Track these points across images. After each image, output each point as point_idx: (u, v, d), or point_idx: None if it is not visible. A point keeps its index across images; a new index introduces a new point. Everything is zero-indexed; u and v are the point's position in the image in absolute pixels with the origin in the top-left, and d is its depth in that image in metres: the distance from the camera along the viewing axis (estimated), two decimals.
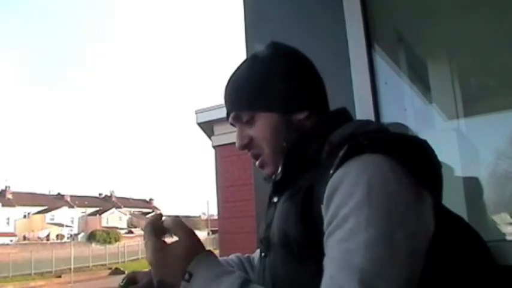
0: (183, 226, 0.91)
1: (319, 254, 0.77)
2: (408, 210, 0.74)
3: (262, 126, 0.99)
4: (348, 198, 0.75)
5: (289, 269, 0.89)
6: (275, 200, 0.98)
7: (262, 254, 1.01)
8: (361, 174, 0.76)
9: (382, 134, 0.90)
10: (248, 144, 1.02)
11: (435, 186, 0.83)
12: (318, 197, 0.82)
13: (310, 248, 0.83)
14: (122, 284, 1.07)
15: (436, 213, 0.79)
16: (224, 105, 1.07)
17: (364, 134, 0.86)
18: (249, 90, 1.00)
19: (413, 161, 0.79)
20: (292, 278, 0.88)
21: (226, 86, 1.05)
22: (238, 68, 1.05)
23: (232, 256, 1.29)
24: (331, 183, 0.79)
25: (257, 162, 1.04)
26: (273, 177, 1.00)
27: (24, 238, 43.42)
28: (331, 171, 0.80)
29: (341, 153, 0.80)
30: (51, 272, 29.18)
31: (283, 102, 0.98)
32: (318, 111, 1.00)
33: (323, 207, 0.80)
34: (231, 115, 1.04)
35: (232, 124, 1.06)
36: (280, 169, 0.97)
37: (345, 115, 1.02)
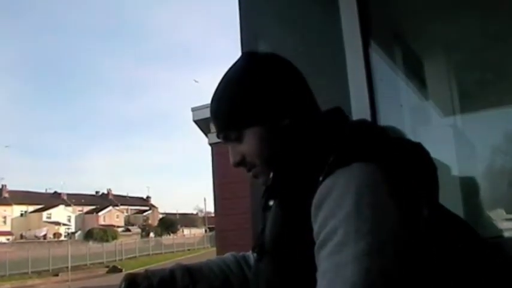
0: None
1: (310, 262, 0.77)
2: (399, 220, 0.73)
3: (250, 141, 0.99)
4: (336, 209, 0.74)
5: (281, 276, 0.88)
6: (271, 203, 0.98)
7: (256, 258, 1.02)
8: (350, 184, 0.75)
9: (374, 139, 0.87)
10: (241, 161, 1.03)
11: (430, 189, 0.82)
12: (307, 205, 0.81)
13: (300, 257, 0.82)
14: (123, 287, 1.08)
15: (431, 216, 0.79)
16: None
17: (355, 139, 0.84)
18: (228, 111, 1.01)
19: (405, 168, 0.78)
20: (283, 285, 0.87)
21: (210, 109, 1.06)
22: (216, 89, 1.05)
23: (228, 255, 1.28)
24: (319, 192, 0.78)
25: (250, 174, 1.04)
26: (266, 182, 1.00)
27: (21, 237, 43.40)
28: (320, 179, 0.79)
29: (330, 161, 0.79)
30: (48, 270, 29.11)
31: (262, 114, 0.98)
32: (304, 114, 0.99)
33: (311, 216, 0.79)
34: (220, 136, 1.05)
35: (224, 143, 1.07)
36: (271, 175, 0.97)
37: (338, 115, 1.00)
